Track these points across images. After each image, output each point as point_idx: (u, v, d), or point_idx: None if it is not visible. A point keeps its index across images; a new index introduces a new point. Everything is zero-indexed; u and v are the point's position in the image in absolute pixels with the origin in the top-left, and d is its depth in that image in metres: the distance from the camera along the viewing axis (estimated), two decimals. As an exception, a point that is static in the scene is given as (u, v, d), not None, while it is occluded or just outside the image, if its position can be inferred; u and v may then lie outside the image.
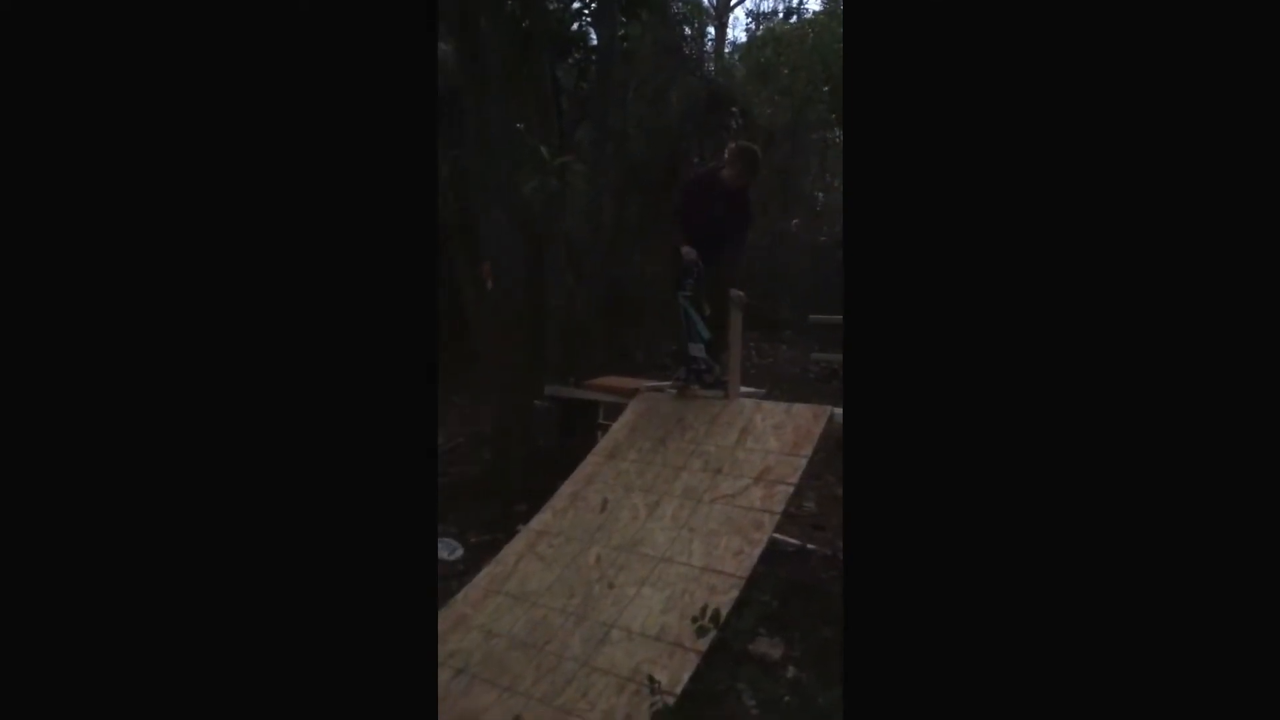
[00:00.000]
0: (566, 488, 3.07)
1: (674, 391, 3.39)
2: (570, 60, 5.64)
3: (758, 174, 3.36)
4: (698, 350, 3.34)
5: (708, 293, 3.36)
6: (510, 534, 3.08)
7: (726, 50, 11.07)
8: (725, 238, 3.35)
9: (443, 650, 2.39)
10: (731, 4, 11.47)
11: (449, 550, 3.50)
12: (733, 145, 3.49)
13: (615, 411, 3.53)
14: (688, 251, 3.26)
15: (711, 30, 10.87)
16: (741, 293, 3.27)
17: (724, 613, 2.08)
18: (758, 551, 2.36)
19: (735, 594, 2.23)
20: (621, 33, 4.89)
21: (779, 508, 2.52)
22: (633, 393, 3.54)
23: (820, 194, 10.11)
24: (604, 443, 3.28)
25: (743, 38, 11.73)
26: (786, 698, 1.94)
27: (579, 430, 3.89)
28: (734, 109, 7.35)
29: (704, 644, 2.03)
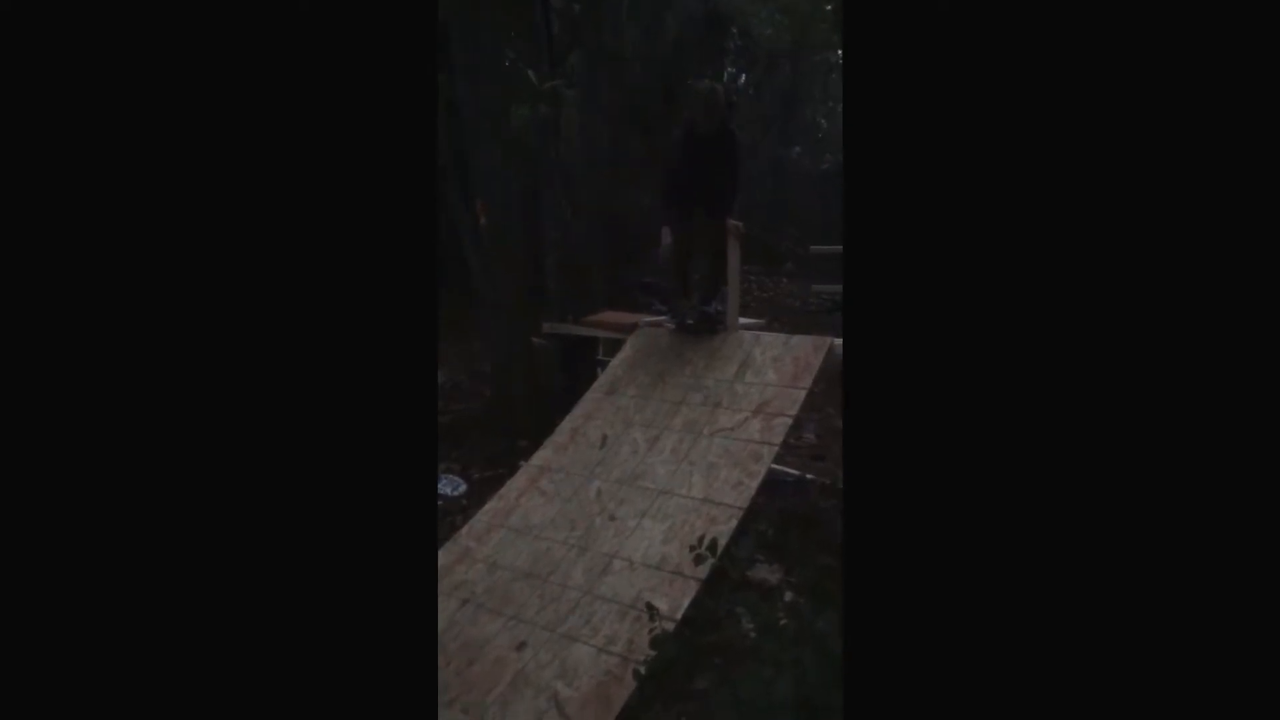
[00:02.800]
0: (567, 424, 3.09)
1: (671, 327, 3.37)
2: (561, -21, 5.37)
3: (720, 110, 3.12)
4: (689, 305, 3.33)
5: (709, 246, 3.29)
6: (513, 469, 3.12)
7: (725, -34, 10.53)
8: (720, 187, 3.23)
9: (449, 582, 2.45)
10: (730, -85, 10.84)
11: (452, 486, 3.56)
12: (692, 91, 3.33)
13: (614, 347, 3.52)
14: (664, 243, 3.24)
15: (710, -56, 10.31)
16: (739, 223, 3.20)
17: (722, 542, 2.11)
18: (756, 483, 2.38)
19: (734, 524, 2.26)
20: (614, -52, 4.63)
21: (778, 440, 2.54)
22: (631, 328, 3.52)
23: (823, 120, 9.79)
24: (603, 379, 3.28)
25: (742, -48, 11.13)
26: (783, 621, 1.99)
27: (578, 367, 3.89)
28: (733, 29, 7.06)
29: (703, 572, 2.08)
